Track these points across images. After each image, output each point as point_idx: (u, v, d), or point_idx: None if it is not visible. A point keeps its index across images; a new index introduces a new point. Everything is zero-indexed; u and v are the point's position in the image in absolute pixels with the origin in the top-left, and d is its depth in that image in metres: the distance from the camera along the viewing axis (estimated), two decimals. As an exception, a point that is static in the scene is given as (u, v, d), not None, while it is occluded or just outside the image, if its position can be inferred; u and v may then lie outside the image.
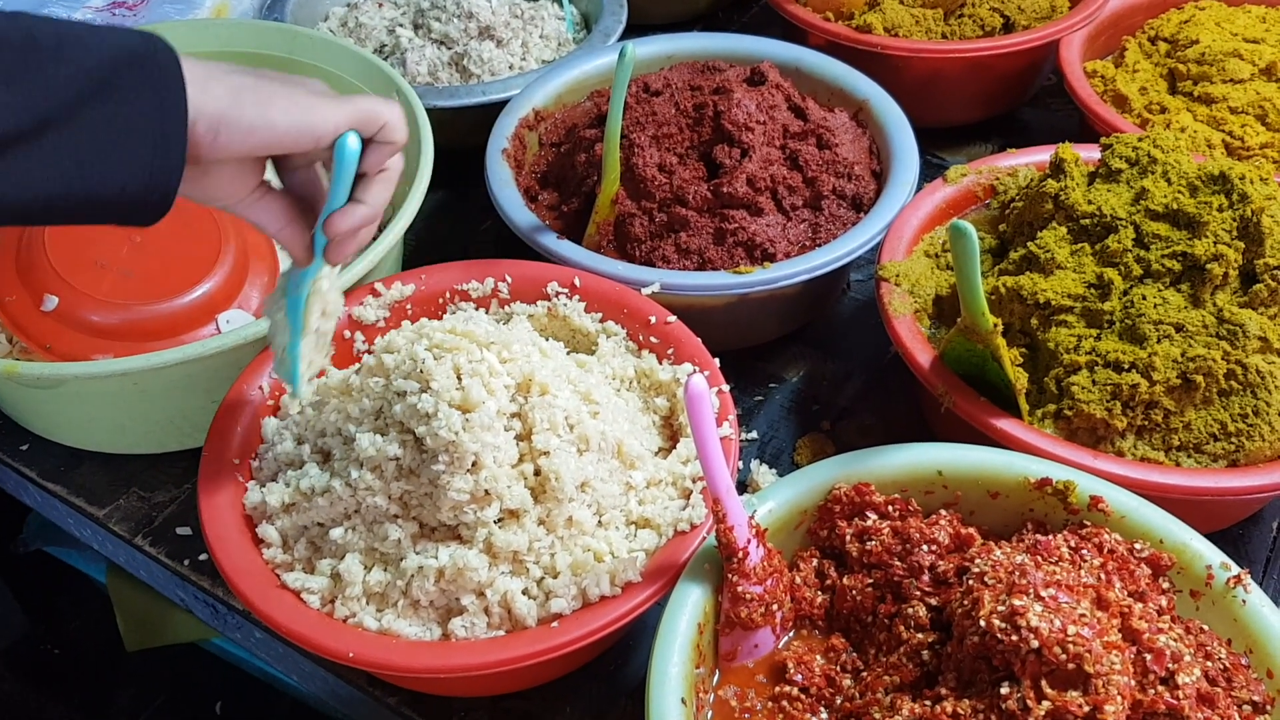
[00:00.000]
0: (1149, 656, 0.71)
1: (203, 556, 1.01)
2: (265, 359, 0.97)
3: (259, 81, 0.69)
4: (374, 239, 1.05)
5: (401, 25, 1.51)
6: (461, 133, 1.34)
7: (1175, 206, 0.99)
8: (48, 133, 0.60)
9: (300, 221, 0.78)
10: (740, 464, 0.95)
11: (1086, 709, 0.66)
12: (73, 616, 1.77)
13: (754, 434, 1.13)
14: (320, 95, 0.72)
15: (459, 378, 0.82)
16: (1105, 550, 0.81)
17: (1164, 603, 0.79)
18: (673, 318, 1.02)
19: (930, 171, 1.32)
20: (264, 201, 0.75)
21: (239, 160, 0.71)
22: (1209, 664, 0.75)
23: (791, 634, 0.85)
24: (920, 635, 0.78)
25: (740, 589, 0.79)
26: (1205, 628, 0.80)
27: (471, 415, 0.81)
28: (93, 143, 0.61)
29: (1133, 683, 0.69)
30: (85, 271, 1.03)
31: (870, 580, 0.84)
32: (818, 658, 0.82)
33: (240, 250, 1.09)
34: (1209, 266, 0.95)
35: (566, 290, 1.05)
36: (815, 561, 0.88)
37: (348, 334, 1.02)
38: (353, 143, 0.73)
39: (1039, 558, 0.78)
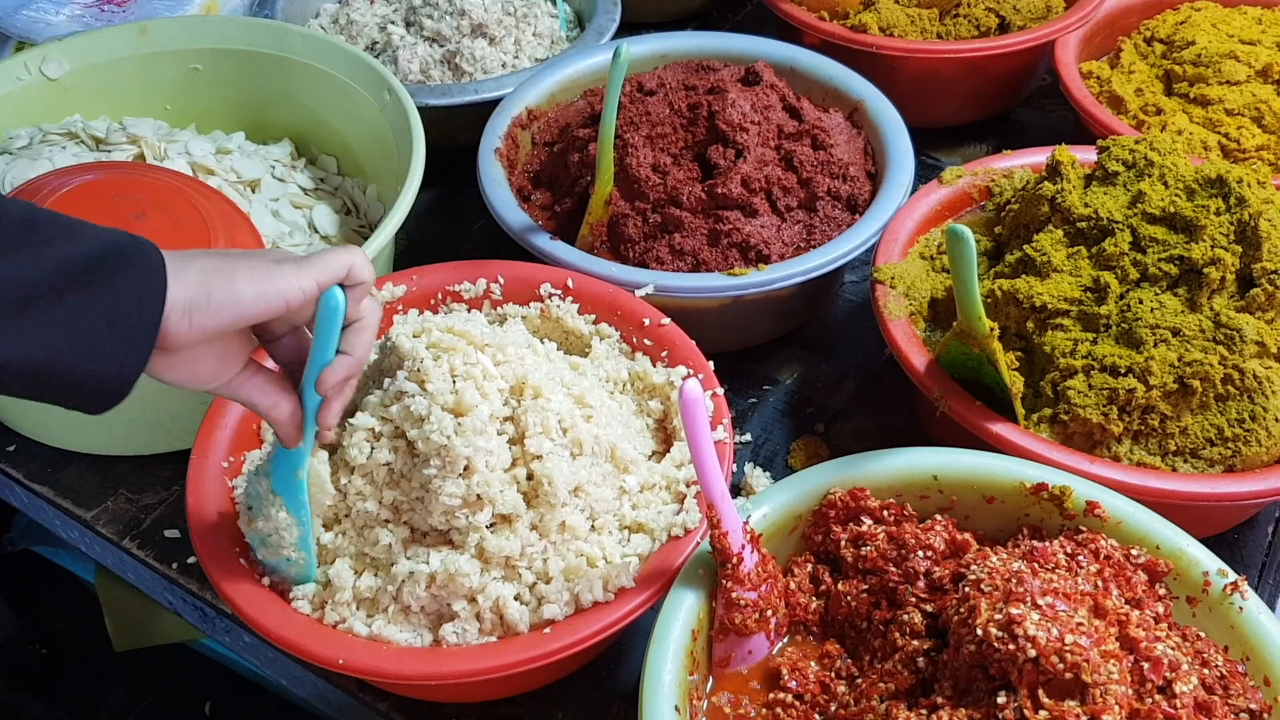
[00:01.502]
0: (1146, 665, 0.70)
1: (191, 560, 1.00)
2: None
3: (224, 261, 0.71)
4: (365, 239, 1.04)
5: (393, 22, 1.50)
6: (453, 131, 1.33)
7: (1172, 210, 0.98)
8: (34, 309, 0.62)
9: (289, 394, 0.78)
10: (734, 467, 0.94)
11: (1084, 719, 0.65)
12: (61, 616, 1.76)
13: (748, 437, 1.12)
14: (282, 263, 0.73)
15: (454, 380, 0.82)
16: (1102, 556, 0.80)
17: (1161, 610, 0.79)
18: (666, 320, 1.01)
19: (925, 173, 1.32)
20: (253, 380, 0.76)
21: (220, 340, 0.72)
22: (1206, 672, 0.75)
23: (786, 640, 0.85)
24: (916, 642, 0.77)
25: (734, 594, 0.78)
26: (1202, 635, 0.79)
27: (464, 419, 0.80)
28: (72, 327, 0.64)
29: (1130, 692, 0.68)
30: (73, 271, 1.02)
31: (865, 586, 0.83)
32: (812, 664, 0.82)
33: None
34: (1206, 270, 0.95)
35: (559, 292, 1.04)
36: (810, 567, 0.87)
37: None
38: (338, 294, 0.73)
39: (1035, 564, 0.77)
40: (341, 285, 0.74)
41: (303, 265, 0.73)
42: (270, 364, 0.79)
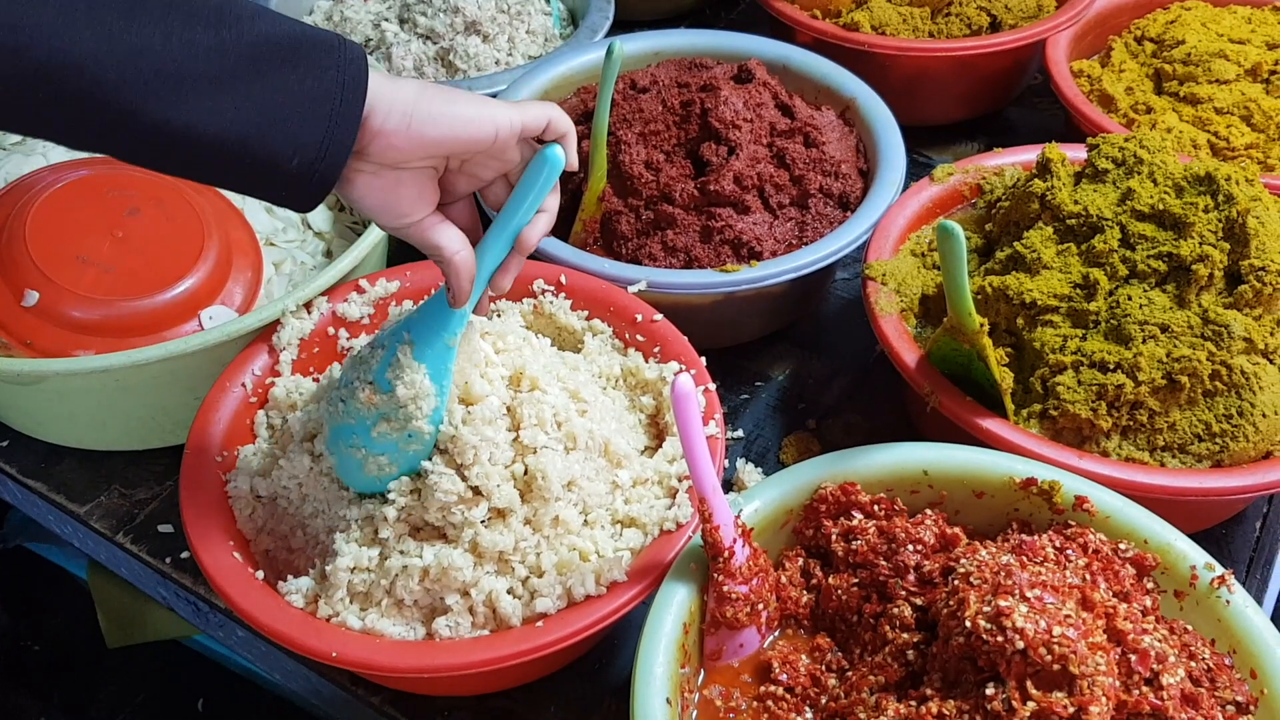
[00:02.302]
0: (1134, 657, 0.71)
1: (184, 554, 1.00)
2: (248, 356, 0.97)
3: (441, 86, 0.73)
4: (358, 235, 1.04)
5: (387, 20, 1.50)
6: (447, 128, 1.34)
7: (1161, 207, 0.99)
8: (238, 80, 0.63)
9: (470, 249, 0.78)
10: (726, 462, 0.95)
11: (1071, 710, 0.66)
12: (53, 613, 1.76)
13: (740, 432, 1.12)
14: (489, 98, 0.75)
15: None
16: (1090, 550, 0.81)
17: (1148, 603, 0.79)
18: (659, 316, 1.01)
19: (917, 170, 1.33)
20: (443, 224, 0.76)
21: (420, 171, 0.73)
22: (1193, 664, 0.75)
23: (777, 633, 0.85)
24: (905, 635, 0.78)
25: (726, 588, 0.79)
26: (1189, 628, 0.80)
27: (474, 408, 0.80)
28: (275, 100, 0.64)
29: (1117, 683, 0.69)
30: (67, 267, 1.02)
31: (856, 580, 0.84)
32: (803, 657, 0.82)
33: (223, 246, 1.08)
34: (1194, 267, 0.96)
35: (552, 288, 1.04)
36: (801, 561, 0.88)
37: (331, 330, 1.01)
38: (560, 151, 0.74)
39: (1024, 558, 0.78)
40: (540, 140, 0.76)
41: (511, 104, 0.75)
42: None
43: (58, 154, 1.16)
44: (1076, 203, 1.02)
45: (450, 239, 0.76)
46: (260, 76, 0.64)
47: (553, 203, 0.80)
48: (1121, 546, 0.82)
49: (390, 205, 0.73)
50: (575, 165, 0.78)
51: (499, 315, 1.03)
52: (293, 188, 0.68)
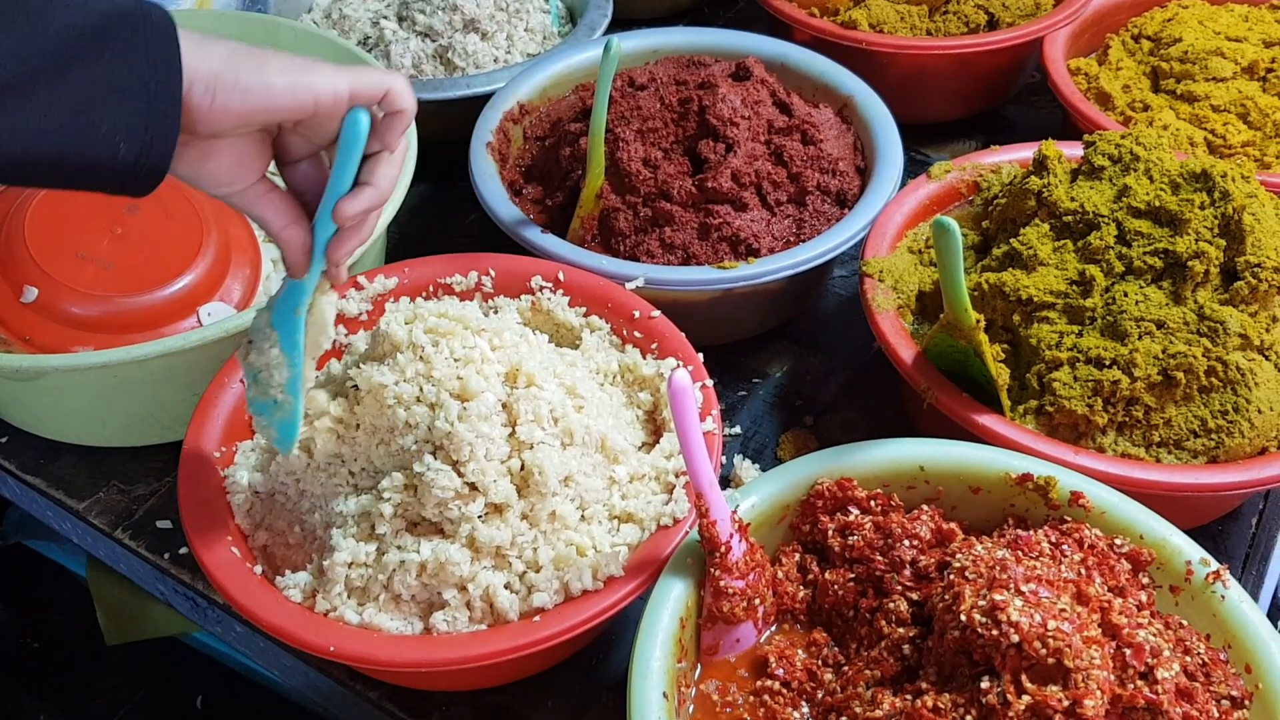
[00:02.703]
0: (1128, 651, 0.71)
1: (183, 550, 1.01)
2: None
3: (254, 48, 0.67)
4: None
5: (386, 17, 1.50)
6: (445, 126, 1.34)
7: (1157, 204, 0.99)
8: (39, 85, 0.58)
9: (304, 222, 0.74)
10: (723, 459, 0.95)
11: (1066, 703, 0.66)
12: (52, 610, 1.76)
13: (737, 429, 1.13)
14: (317, 62, 0.70)
15: (455, 363, 0.82)
16: (1085, 546, 0.81)
17: (1144, 598, 0.79)
18: (656, 312, 1.01)
19: (914, 168, 1.33)
20: (269, 196, 0.72)
21: (240, 138, 0.69)
22: (1188, 659, 0.76)
23: (773, 628, 0.86)
24: (901, 630, 0.78)
25: (722, 583, 0.79)
26: (1184, 623, 0.80)
27: (469, 404, 0.81)
28: (85, 98, 0.59)
29: (1112, 677, 0.69)
30: (65, 263, 1.02)
31: (852, 575, 0.84)
32: (799, 652, 0.82)
33: (222, 243, 1.08)
34: (1190, 264, 0.96)
35: (550, 284, 1.05)
36: (797, 556, 0.88)
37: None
38: (363, 118, 0.69)
39: (1020, 553, 0.78)
40: (375, 112, 0.71)
41: (340, 69, 0.69)
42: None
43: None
44: (1073, 200, 1.03)
45: (276, 212, 0.72)
46: (64, 75, 0.59)
47: (383, 174, 0.73)
48: (1117, 542, 0.82)
49: (204, 176, 0.69)
50: (392, 146, 0.72)
51: (496, 312, 1.03)
52: (123, 182, 0.64)
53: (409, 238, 1.35)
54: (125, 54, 0.61)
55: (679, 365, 0.97)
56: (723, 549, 0.79)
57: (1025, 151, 1.19)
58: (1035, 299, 0.99)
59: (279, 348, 0.76)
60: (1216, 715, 0.73)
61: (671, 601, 0.79)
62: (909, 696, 0.73)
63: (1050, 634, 0.67)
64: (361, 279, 1.04)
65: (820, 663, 0.81)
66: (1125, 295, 0.97)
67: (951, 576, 0.76)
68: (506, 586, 0.82)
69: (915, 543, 0.83)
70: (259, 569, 0.85)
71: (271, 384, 0.78)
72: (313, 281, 0.75)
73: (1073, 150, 1.12)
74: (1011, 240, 1.03)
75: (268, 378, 0.77)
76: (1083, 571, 0.78)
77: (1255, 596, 1.00)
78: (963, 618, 0.71)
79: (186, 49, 0.63)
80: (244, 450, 0.93)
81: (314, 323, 0.77)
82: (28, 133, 0.58)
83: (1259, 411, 0.93)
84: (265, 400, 0.78)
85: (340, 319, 1.02)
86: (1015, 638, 0.68)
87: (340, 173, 0.71)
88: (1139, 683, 0.70)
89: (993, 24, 1.47)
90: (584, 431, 0.86)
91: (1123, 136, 1.06)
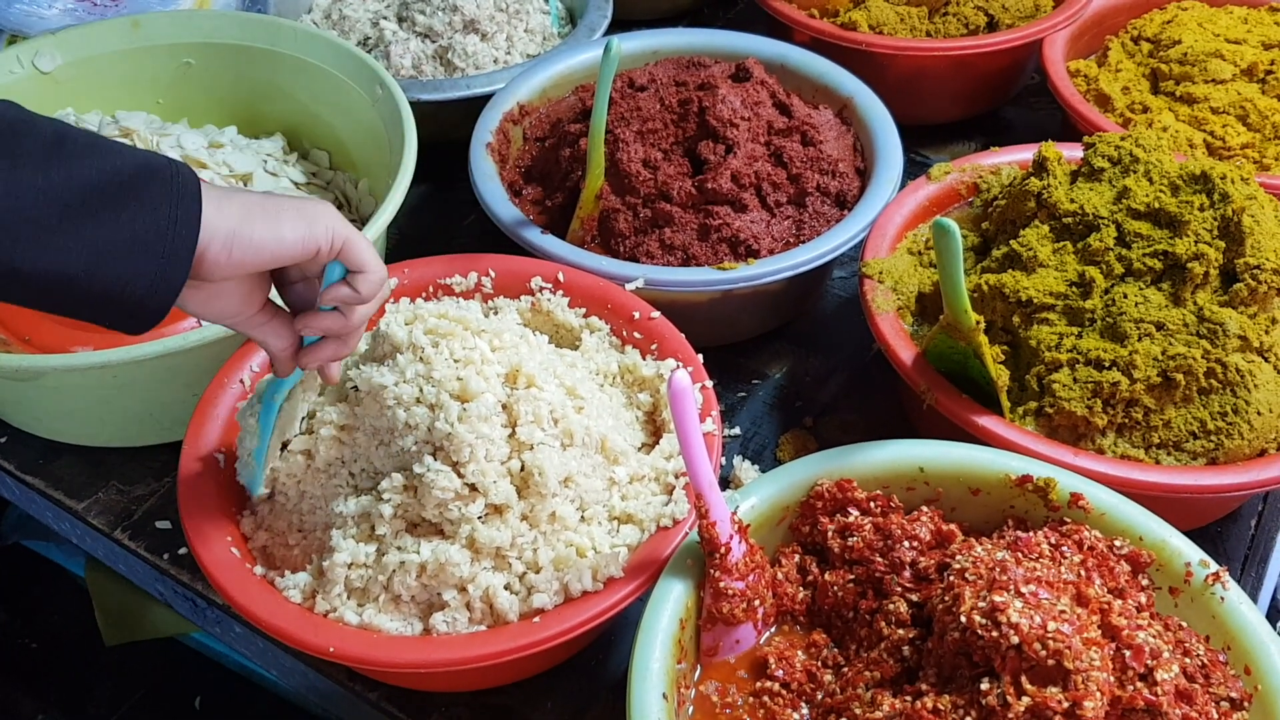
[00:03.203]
0: (1128, 653, 0.71)
1: (182, 550, 1.00)
2: (246, 353, 0.97)
3: (268, 200, 0.73)
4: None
5: (385, 18, 1.50)
6: (445, 126, 1.34)
7: (1157, 206, 0.99)
8: (66, 223, 0.63)
9: (294, 340, 0.81)
10: (723, 460, 0.95)
11: (1066, 705, 0.66)
12: (51, 610, 1.76)
13: (737, 430, 1.13)
14: (319, 203, 0.76)
15: (455, 365, 0.83)
16: (1085, 547, 0.81)
17: (1143, 599, 0.80)
18: (656, 313, 1.01)
19: (914, 169, 1.33)
20: (272, 322, 0.79)
21: (247, 278, 0.75)
22: (1187, 660, 0.76)
23: (773, 629, 0.86)
24: (901, 631, 0.78)
25: (722, 584, 0.79)
26: (1184, 624, 0.80)
27: (469, 405, 0.81)
28: (106, 242, 0.64)
29: (1112, 679, 0.69)
30: (65, 263, 1.02)
31: (852, 576, 0.84)
32: (799, 653, 0.82)
33: (222, 243, 1.08)
34: (1190, 265, 0.96)
35: (550, 285, 1.05)
36: (797, 557, 0.88)
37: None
38: (337, 270, 0.77)
39: (1019, 554, 0.78)
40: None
41: (338, 218, 0.76)
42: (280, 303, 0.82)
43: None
44: (1073, 201, 1.03)
45: (274, 336, 0.79)
46: (90, 218, 0.64)
47: (358, 313, 0.79)
48: (1116, 543, 0.82)
49: (211, 314, 0.75)
50: (366, 299, 0.78)
51: (496, 313, 1.03)
52: (124, 320, 0.68)
53: (409, 238, 1.35)
54: (151, 208, 0.66)
55: (679, 366, 0.97)
56: (722, 550, 0.79)
57: (1025, 153, 1.19)
58: (1035, 300, 0.99)
59: (256, 419, 0.85)
60: (1216, 717, 0.73)
61: (671, 602, 0.79)
62: (909, 698, 0.73)
63: (1050, 635, 0.67)
64: (361, 280, 1.04)
65: (820, 664, 0.81)
66: (1125, 297, 0.97)
67: (951, 578, 0.76)
68: (506, 587, 0.82)
69: (915, 544, 0.83)
70: (259, 570, 0.85)
71: (245, 446, 0.86)
72: (290, 382, 0.84)
73: (1072, 152, 1.12)
74: (1011, 242, 1.03)
75: (245, 440, 0.86)
76: (1082, 573, 0.78)
77: (1254, 598, 1.00)
78: (963, 619, 0.71)
79: (208, 209, 0.68)
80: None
81: (286, 411, 0.85)
82: (48, 264, 0.63)
83: (1258, 413, 0.93)
84: (241, 454, 0.88)
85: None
86: (1015, 639, 0.68)
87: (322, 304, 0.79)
88: (1138, 684, 0.71)
89: (992, 25, 1.47)
90: (584, 432, 0.86)
91: (1122, 138, 1.06)
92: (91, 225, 0.64)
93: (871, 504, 0.87)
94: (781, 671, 0.80)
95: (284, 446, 0.88)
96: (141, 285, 0.66)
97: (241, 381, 0.95)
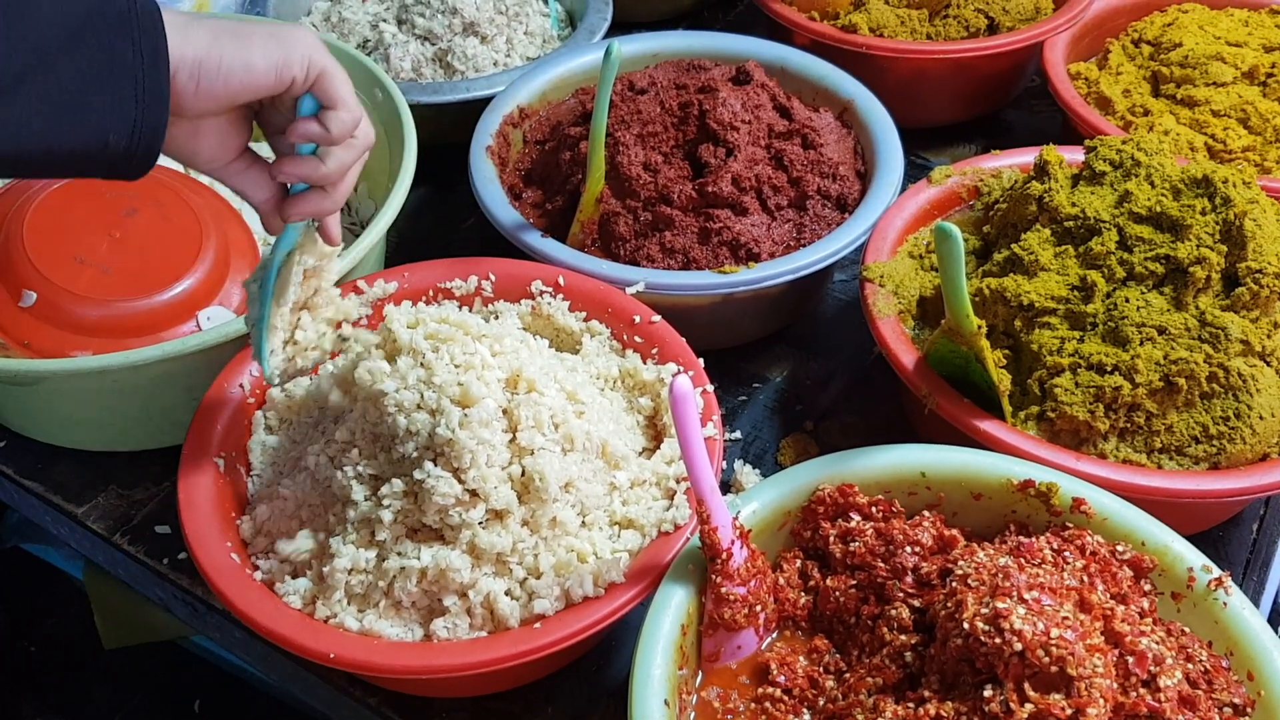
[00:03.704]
0: (1131, 659, 0.71)
1: (182, 555, 1.00)
2: (246, 356, 0.97)
3: (239, 26, 0.68)
4: (356, 236, 1.04)
5: (385, 21, 1.50)
6: (445, 129, 1.34)
7: (1159, 209, 0.99)
8: (25, 84, 0.59)
9: (278, 191, 0.78)
10: (724, 464, 0.95)
11: (1069, 712, 0.66)
12: (49, 614, 1.75)
13: (737, 434, 1.12)
14: (294, 30, 0.71)
15: (456, 370, 0.82)
16: (1088, 552, 0.81)
17: (1146, 605, 0.79)
18: (657, 317, 1.01)
19: (915, 172, 1.33)
20: (250, 171, 0.75)
21: (224, 116, 0.71)
22: (1190, 666, 0.76)
23: (775, 635, 0.85)
24: (903, 637, 0.78)
25: (724, 590, 0.79)
26: (1186, 630, 0.80)
27: (470, 411, 0.80)
28: (72, 92, 0.60)
29: (1115, 685, 0.69)
30: (64, 267, 1.02)
31: (853, 581, 0.84)
32: (801, 659, 0.82)
33: (221, 246, 1.08)
34: (1192, 269, 0.96)
35: (550, 289, 1.04)
36: (799, 563, 0.88)
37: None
38: (307, 102, 0.74)
39: (1022, 560, 0.78)
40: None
41: (315, 40, 0.72)
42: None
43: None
44: (1074, 205, 1.03)
45: (255, 186, 0.76)
46: (50, 70, 0.59)
47: (338, 156, 0.76)
48: (1119, 548, 0.82)
49: (189, 155, 0.72)
50: (335, 138, 0.74)
51: (496, 317, 1.03)
52: (114, 169, 0.65)
53: (408, 241, 1.35)
54: (111, 45, 0.61)
55: (680, 371, 0.96)
56: (724, 555, 0.79)
57: (1026, 156, 1.19)
58: (1036, 304, 0.99)
59: (258, 286, 0.83)
60: (1219, 723, 0.73)
61: (672, 608, 0.79)
62: (911, 704, 0.73)
63: (1053, 642, 0.67)
64: (361, 283, 1.03)
65: (822, 670, 0.81)
66: (1127, 301, 0.96)
67: (954, 584, 0.75)
68: (507, 593, 0.82)
69: (917, 549, 0.83)
70: (259, 575, 0.84)
71: (250, 317, 0.85)
72: (286, 239, 0.82)
73: (1073, 155, 1.12)
74: (1013, 245, 1.03)
75: (251, 310, 0.84)
76: (1085, 579, 0.77)
77: (1256, 603, 1.00)
78: (965, 625, 0.70)
79: (172, 37, 0.64)
80: (247, 453, 0.93)
81: (283, 275, 0.83)
82: (18, 131, 0.59)
83: (1260, 418, 0.93)
84: (248, 323, 0.86)
85: (338, 325, 1.01)
86: (1018, 646, 0.67)
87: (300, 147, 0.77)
88: (1141, 691, 0.70)
89: (993, 28, 1.47)
90: (585, 437, 0.86)
91: (1124, 142, 1.06)
92: (51, 80, 0.59)
93: (873, 509, 0.87)
94: (783, 677, 0.80)
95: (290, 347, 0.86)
96: (122, 131, 0.62)
97: (241, 386, 0.95)
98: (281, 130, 0.76)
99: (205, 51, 0.65)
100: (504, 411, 0.83)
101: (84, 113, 0.61)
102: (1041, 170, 1.07)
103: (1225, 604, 0.80)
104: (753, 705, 0.80)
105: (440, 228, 1.38)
